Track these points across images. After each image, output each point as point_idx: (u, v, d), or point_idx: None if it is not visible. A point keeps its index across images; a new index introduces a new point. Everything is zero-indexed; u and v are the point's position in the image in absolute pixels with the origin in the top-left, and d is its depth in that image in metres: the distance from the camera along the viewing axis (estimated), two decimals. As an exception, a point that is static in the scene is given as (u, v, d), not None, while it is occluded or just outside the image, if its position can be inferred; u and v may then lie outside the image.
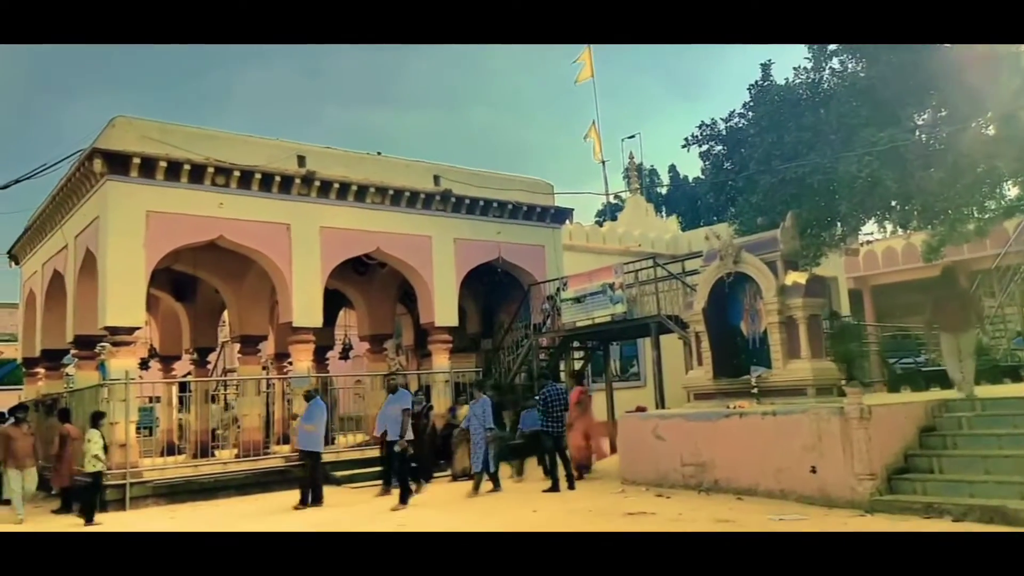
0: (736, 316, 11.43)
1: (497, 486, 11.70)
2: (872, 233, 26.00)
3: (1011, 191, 15.03)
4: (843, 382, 10.75)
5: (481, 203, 17.36)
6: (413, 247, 16.41)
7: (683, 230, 26.27)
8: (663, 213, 32.38)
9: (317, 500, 11.24)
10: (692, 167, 53.09)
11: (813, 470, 8.91)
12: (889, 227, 17.14)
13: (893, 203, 14.44)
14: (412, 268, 16.53)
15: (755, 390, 10.67)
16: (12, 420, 11.76)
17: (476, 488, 11.44)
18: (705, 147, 16.02)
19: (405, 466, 11.05)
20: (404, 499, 10.66)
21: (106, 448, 11.15)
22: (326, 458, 14.00)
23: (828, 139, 13.39)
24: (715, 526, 7.92)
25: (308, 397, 11.95)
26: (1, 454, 11.23)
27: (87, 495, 10.89)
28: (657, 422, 11.21)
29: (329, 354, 21.05)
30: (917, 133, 13.16)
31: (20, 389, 20.73)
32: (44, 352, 17.33)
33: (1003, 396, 9.98)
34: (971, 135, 12.55)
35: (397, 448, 10.97)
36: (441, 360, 16.70)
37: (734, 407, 10.41)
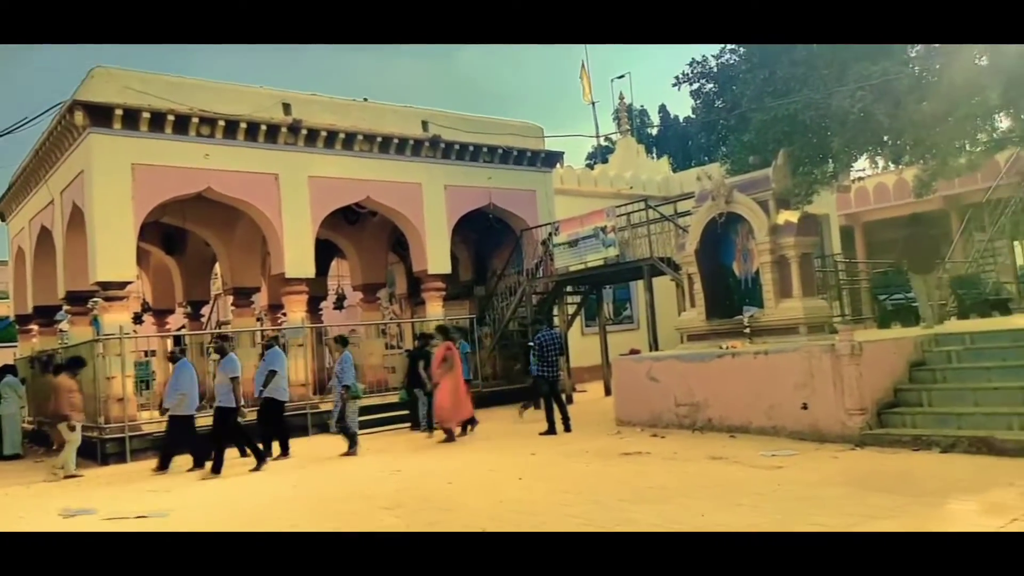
0: (729, 256, 11.45)
1: (352, 448, 10.95)
2: (864, 169, 25.88)
3: (1002, 123, 14.92)
4: (835, 319, 10.84)
5: (471, 148, 17.17)
6: (404, 195, 16.27)
7: (674, 171, 26.13)
8: (654, 154, 32.12)
9: (285, 449, 11.02)
10: (683, 106, 52.48)
11: (804, 407, 9.05)
12: (881, 163, 17.10)
13: (885, 138, 14.33)
14: (403, 216, 16.43)
15: (747, 330, 10.75)
16: (69, 372, 11.16)
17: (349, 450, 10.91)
18: (696, 85, 15.78)
19: (227, 433, 10.31)
20: (216, 468, 9.87)
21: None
22: (324, 407, 14.19)
23: (820, 74, 13.20)
24: (709, 463, 8.08)
25: (267, 346, 11.52)
26: (64, 407, 10.73)
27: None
28: (651, 364, 11.31)
29: (323, 304, 21.09)
30: (910, 65, 12.97)
31: (15, 346, 20.76)
32: (36, 309, 17.28)
33: (992, 329, 10.09)
34: (963, 65, 12.39)
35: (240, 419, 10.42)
36: (435, 308, 16.74)
37: (727, 347, 10.51)
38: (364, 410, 13.20)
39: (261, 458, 10.19)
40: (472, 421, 12.24)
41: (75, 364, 11.44)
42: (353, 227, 18.36)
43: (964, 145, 14.58)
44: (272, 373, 10.89)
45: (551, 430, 11.37)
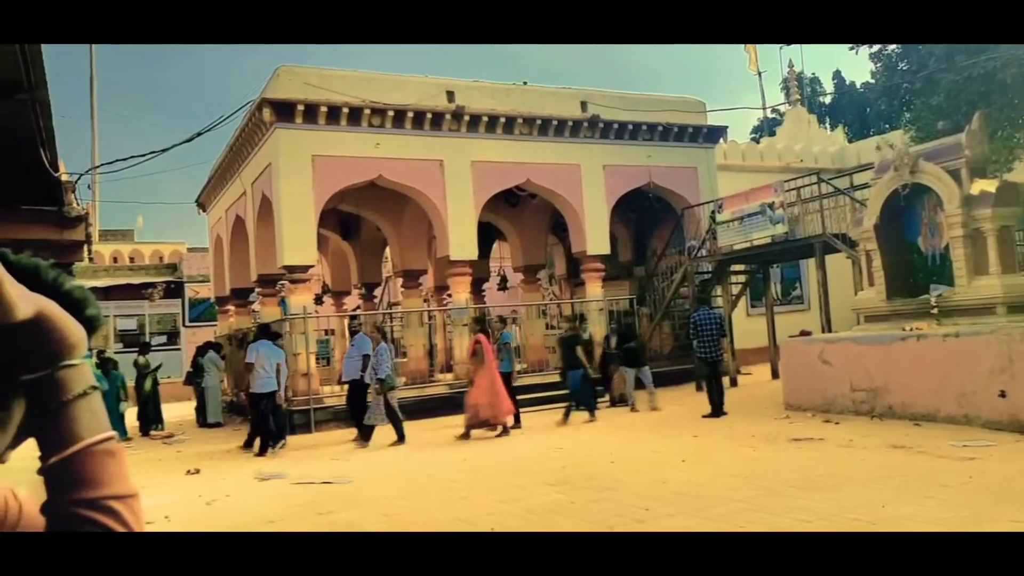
0: (913, 232, 10.60)
1: (365, 438, 10.84)
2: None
3: None
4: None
5: (630, 127, 16.95)
6: (563, 176, 16.37)
7: (850, 141, 24.44)
8: (827, 125, 30.19)
9: (367, 435, 10.93)
10: (860, 72, 48.86)
11: (1002, 394, 8.24)
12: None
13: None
14: (562, 197, 16.54)
15: (935, 310, 9.91)
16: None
17: (400, 439, 10.73)
18: (876, 47, 14.64)
19: (270, 418, 10.79)
20: (262, 449, 10.49)
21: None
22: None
23: (1024, 26, 11.83)
24: (890, 452, 7.57)
25: (354, 332, 11.79)
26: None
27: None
28: (823, 346, 10.73)
29: (485, 285, 21.70)
30: None
31: (215, 325, 23.03)
32: (233, 291, 19.05)
33: None
34: None
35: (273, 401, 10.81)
36: (594, 288, 16.76)
37: (911, 328, 9.75)
38: (525, 389, 13.47)
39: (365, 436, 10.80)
40: (516, 419, 11.43)
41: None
42: (513, 209, 18.71)
43: None
44: (366, 357, 11.05)
45: (715, 412, 11.12)
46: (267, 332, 11.59)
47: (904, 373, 9.37)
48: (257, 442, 10.74)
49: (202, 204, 21.41)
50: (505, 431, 10.86)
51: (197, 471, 9.28)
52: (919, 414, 9.08)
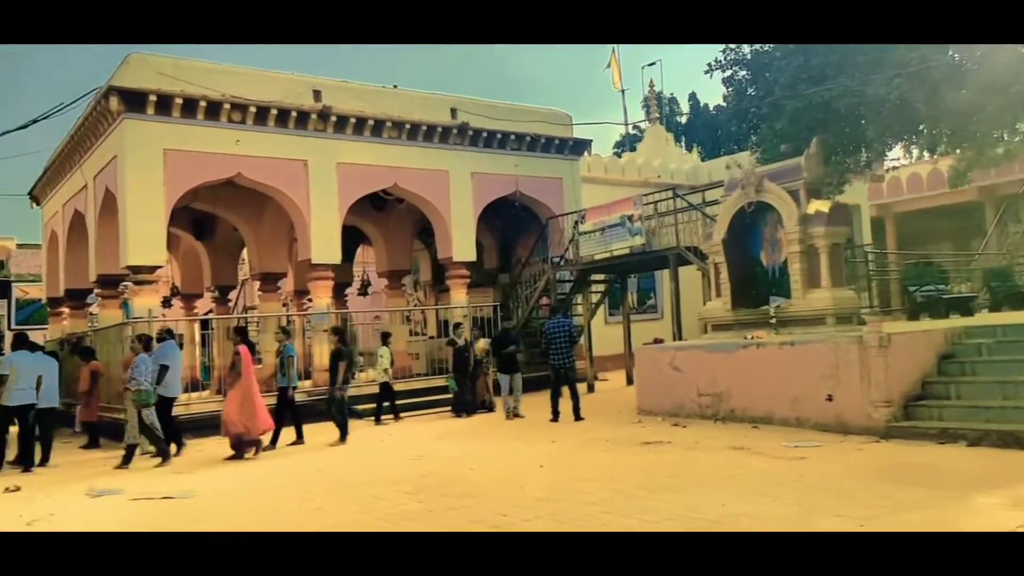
0: (756, 246, 11.33)
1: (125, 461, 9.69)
2: (898, 159, 25.44)
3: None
4: (864, 311, 10.68)
5: (498, 136, 17.16)
6: (431, 182, 16.32)
7: (703, 160, 25.88)
8: (683, 143, 31.80)
9: (179, 445, 10.31)
10: (713, 95, 51.94)
11: (829, 398, 8.95)
12: (916, 152, 16.75)
13: (921, 126, 14.07)
14: (430, 203, 16.48)
15: (774, 320, 10.64)
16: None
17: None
18: (728, 73, 15.60)
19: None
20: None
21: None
22: (349, 392, 14.31)
23: (856, 61, 12.96)
24: (731, 453, 8.04)
25: (160, 339, 10.77)
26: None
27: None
28: (674, 353, 11.26)
29: (348, 290, 21.25)
30: (950, 52, 12.68)
31: (45, 328, 21.21)
32: (68, 292, 17.64)
33: (1026, 323, 9.89)
34: (1004, 54, 12.09)
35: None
36: (459, 295, 16.80)
37: (752, 337, 10.41)
38: (372, 398, 13.39)
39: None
40: (274, 438, 10.44)
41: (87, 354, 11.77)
42: (380, 214, 18.46)
43: (1002, 135, 14.25)
44: (164, 368, 10.17)
45: (554, 418, 11.45)
46: (25, 341, 10.42)
47: (745, 379, 9.99)
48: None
49: (36, 197, 19.69)
50: (257, 449, 9.96)
51: (17, 488, 8.47)
52: (757, 417, 9.69)
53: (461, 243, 16.61)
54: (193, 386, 18.46)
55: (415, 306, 22.24)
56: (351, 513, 6.40)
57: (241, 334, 10.80)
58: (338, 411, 11.00)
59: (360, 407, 13.59)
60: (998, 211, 23.73)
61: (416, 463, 8.79)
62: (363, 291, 23.26)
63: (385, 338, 13.80)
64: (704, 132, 35.64)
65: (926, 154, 22.05)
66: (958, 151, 15.31)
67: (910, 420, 8.44)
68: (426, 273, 21.73)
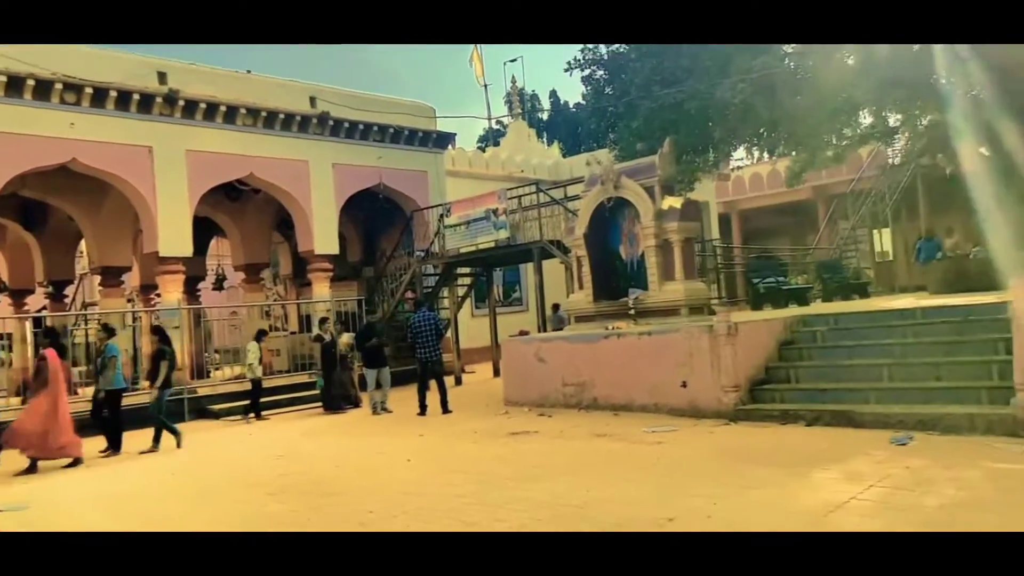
0: (616, 240, 11.73)
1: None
2: (741, 159, 27.20)
3: (866, 120, 15.99)
4: (714, 301, 11.33)
5: (361, 127, 16.81)
6: (289, 172, 15.75)
7: (565, 156, 26.49)
8: (545, 139, 32.48)
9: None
10: (573, 92, 53.29)
11: (684, 385, 9.43)
12: (757, 153, 17.97)
13: (762, 129, 15.06)
14: (289, 194, 15.90)
15: (632, 311, 11.07)
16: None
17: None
18: (587, 72, 16.03)
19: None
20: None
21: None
22: (202, 391, 13.67)
23: (705, 65, 13.69)
24: (594, 440, 8.29)
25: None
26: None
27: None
28: (539, 345, 11.48)
29: (201, 285, 20.15)
30: (787, 61, 13.65)
31: None
32: None
33: (852, 311, 10.84)
34: (835, 65, 13.16)
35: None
36: (321, 289, 16.34)
37: (613, 328, 10.79)
38: (227, 397, 12.87)
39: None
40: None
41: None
42: (235, 204, 17.61)
43: (832, 139, 15.53)
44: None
45: (422, 411, 11.43)
46: None
47: (607, 368, 10.34)
48: None
49: None
50: (76, 462, 8.96)
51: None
52: (618, 405, 10.06)
53: (323, 236, 16.14)
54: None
55: (275, 301, 21.41)
56: (208, 519, 6.07)
57: (50, 336, 9.86)
58: (156, 412, 10.17)
59: (216, 407, 12.97)
60: (829, 209, 25.86)
61: (278, 462, 8.47)
62: (218, 285, 22.12)
63: (260, 335, 13.24)
64: (565, 129, 36.53)
65: (767, 155, 23.75)
66: (794, 153, 16.55)
67: (755, 403, 9.04)
68: (286, 266, 20.96)
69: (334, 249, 16.44)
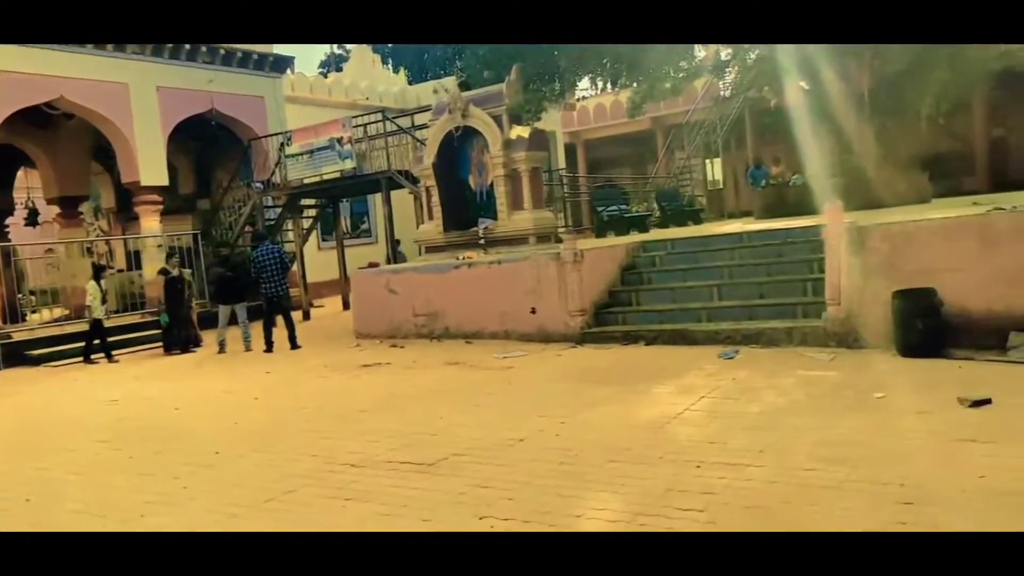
0: (465, 170, 11.69)
1: None
2: (586, 89, 27.69)
3: (700, 54, 16.69)
4: (560, 230, 11.63)
5: (187, 47, 15.48)
6: (107, 96, 14.33)
7: (411, 84, 25.82)
8: (390, 65, 31.43)
9: None
10: (418, 17, 51.59)
11: (533, 311, 9.69)
12: (601, 84, 18.31)
13: (606, 60, 15.34)
14: (107, 120, 14.50)
15: (482, 241, 11.17)
16: None
17: None
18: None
19: None
20: None
21: None
22: (19, 336, 12.56)
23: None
24: (446, 369, 8.40)
25: None
26: None
27: None
28: (389, 276, 11.36)
29: (10, 220, 18.19)
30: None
31: None
32: None
33: (687, 236, 11.49)
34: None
35: None
36: (151, 223, 15.22)
37: (463, 258, 10.84)
38: (48, 341, 11.90)
39: None
40: None
41: None
42: (44, 131, 15.87)
43: (670, 71, 16.09)
44: None
45: (269, 348, 11.08)
46: None
47: (458, 298, 10.43)
48: None
49: None
50: None
51: None
52: (470, 333, 10.22)
53: (149, 165, 14.92)
54: None
55: (98, 236, 19.71)
56: (34, 470, 5.62)
57: None
58: None
59: (36, 352, 11.94)
60: (667, 139, 26.98)
61: (112, 408, 7.95)
62: (31, 221, 20.02)
63: (98, 273, 12.14)
64: (411, 55, 35.46)
65: (610, 86, 24.27)
66: (635, 84, 17.03)
67: (601, 326, 9.46)
68: (109, 199, 19.24)
69: (163, 180, 15.27)
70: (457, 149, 11.54)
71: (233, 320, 11.79)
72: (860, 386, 5.91)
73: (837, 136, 13.56)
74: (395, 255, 15.41)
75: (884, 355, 6.95)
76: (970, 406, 5.01)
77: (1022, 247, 6.80)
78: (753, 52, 16.33)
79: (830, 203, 8.08)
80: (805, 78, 14.28)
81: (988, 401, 5.05)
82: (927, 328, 6.78)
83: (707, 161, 26.83)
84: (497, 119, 11.12)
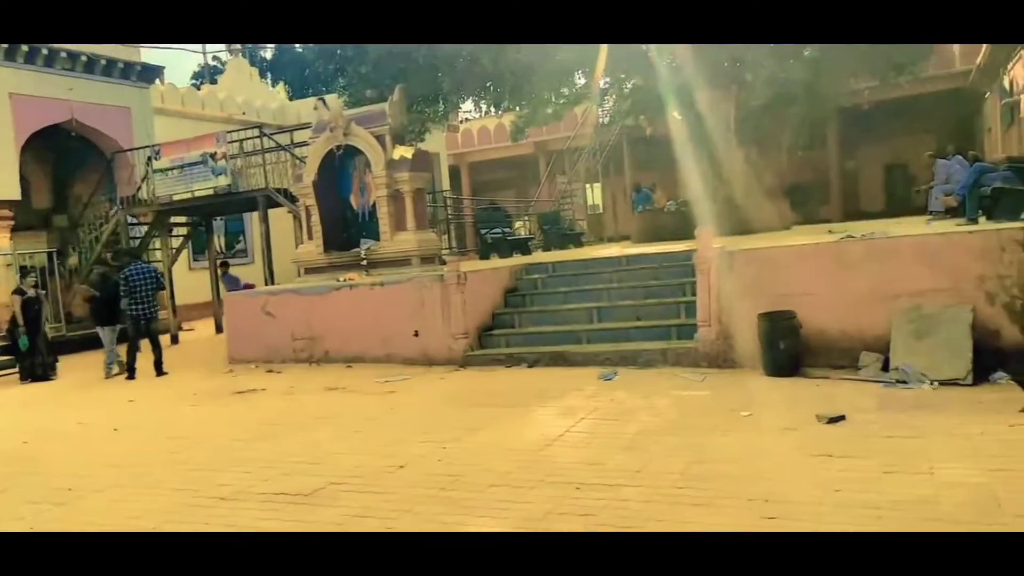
0: (346, 189, 11.47)
1: None
2: (470, 111, 27.93)
3: (580, 80, 17.18)
4: (444, 252, 11.60)
5: (44, 51, 14.48)
6: (-51, 100, 13.16)
7: (291, 99, 25.23)
8: (269, 80, 30.61)
9: None
10: (300, 33, 50.57)
11: (416, 334, 9.58)
12: (484, 107, 18.53)
13: (488, 83, 15.52)
14: (-51, 127, 13.32)
15: (364, 262, 10.97)
16: None
17: None
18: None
19: None
20: None
21: None
22: None
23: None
24: (326, 394, 8.16)
25: None
26: None
27: None
28: (266, 298, 10.95)
29: None
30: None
31: None
32: None
33: (568, 259, 11.73)
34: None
35: None
36: (0, 240, 14.04)
37: (344, 279, 10.61)
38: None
39: None
40: None
41: None
42: None
43: (551, 96, 16.48)
44: None
45: (131, 375, 10.43)
46: None
47: (339, 321, 10.17)
48: None
49: None
50: None
51: None
52: (351, 357, 9.97)
53: (-1, 178, 13.81)
54: None
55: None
56: None
57: None
58: None
59: None
60: (549, 163, 27.58)
61: (-53, 446, 7.20)
62: None
63: None
64: (291, 70, 34.67)
65: (493, 109, 24.58)
66: (518, 108, 17.33)
67: (484, 349, 9.47)
68: (-49, 214, 17.64)
69: (14, 194, 14.16)
70: (338, 168, 11.32)
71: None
72: (729, 405, 6.19)
73: (709, 164, 14.29)
74: (228, 280, 14.84)
75: (752, 374, 7.32)
76: (827, 423, 5.34)
77: (870, 273, 7.35)
78: (630, 82, 17.00)
79: (701, 228, 8.47)
80: (678, 108, 14.99)
81: (842, 418, 5.41)
82: (788, 349, 7.19)
83: (588, 186, 27.61)
84: (380, 139, 10.99)
